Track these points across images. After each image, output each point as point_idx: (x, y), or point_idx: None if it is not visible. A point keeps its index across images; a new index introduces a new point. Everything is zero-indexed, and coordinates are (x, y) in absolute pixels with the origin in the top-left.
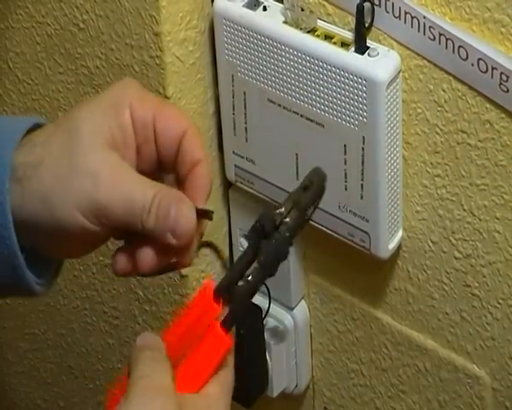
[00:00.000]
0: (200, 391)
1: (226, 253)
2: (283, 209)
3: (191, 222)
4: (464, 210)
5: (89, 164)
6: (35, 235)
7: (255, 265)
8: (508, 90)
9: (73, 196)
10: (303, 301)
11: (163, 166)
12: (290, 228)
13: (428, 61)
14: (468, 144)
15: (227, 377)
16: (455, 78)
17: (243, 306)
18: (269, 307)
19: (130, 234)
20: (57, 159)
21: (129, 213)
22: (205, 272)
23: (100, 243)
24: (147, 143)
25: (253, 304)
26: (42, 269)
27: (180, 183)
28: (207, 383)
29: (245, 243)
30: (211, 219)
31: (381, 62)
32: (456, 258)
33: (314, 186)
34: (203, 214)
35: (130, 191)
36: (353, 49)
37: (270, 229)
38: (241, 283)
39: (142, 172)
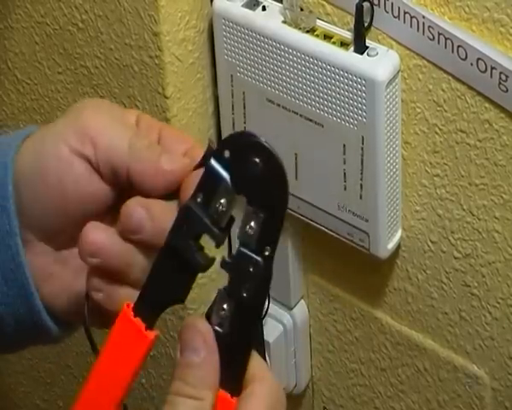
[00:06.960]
0: None
1: (224, 252)
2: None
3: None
4: (463, 210)
5: (79, 104)
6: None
7: (229, 302)
8: (507, 90)
9: (60, 129)
10: (302, 300)
11: None
12: (269, 240)
13: (427, 60)
14: (468, 144)
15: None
16: (454, 77)
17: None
18: (268, 307)
19: None
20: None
21: (116, 136)
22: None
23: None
24: None
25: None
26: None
27: None
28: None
29: None
30: None
31: (381, 62)
32: (455, 258)
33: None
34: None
35: (118, 114)
36: (352, 48)
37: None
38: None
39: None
